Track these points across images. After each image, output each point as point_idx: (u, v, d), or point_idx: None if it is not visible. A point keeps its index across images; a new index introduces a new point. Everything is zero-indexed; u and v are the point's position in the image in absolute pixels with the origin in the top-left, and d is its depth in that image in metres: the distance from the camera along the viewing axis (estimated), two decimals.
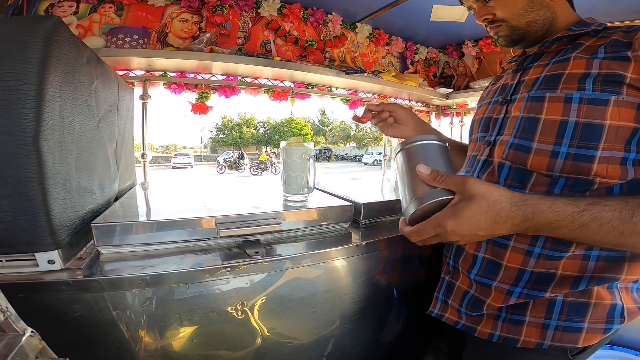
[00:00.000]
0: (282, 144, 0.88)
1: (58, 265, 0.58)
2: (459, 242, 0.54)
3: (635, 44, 0.53)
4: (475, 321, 0.67)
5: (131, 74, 1.57)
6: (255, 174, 16.62)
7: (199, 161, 28.96)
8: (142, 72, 1.59)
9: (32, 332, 0.43)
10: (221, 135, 38.16)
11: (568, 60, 0.59)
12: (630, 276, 0.57)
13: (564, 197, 0.51)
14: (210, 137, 39.25)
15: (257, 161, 18.47)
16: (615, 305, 0.57)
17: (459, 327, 0.70)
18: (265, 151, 22.93)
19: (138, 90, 1.58)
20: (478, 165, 0.69)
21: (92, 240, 0.66)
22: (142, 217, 0.75)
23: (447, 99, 2.41)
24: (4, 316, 0.41)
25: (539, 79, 0.62)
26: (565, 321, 0.58)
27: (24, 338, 0.41)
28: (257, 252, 0.68)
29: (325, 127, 40.47)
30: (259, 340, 0.73)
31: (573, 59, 0.59)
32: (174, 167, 22.63)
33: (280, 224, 0.73)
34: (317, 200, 0.90)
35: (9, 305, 0.42)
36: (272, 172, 16.49)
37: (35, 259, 0.56)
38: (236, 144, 36.39)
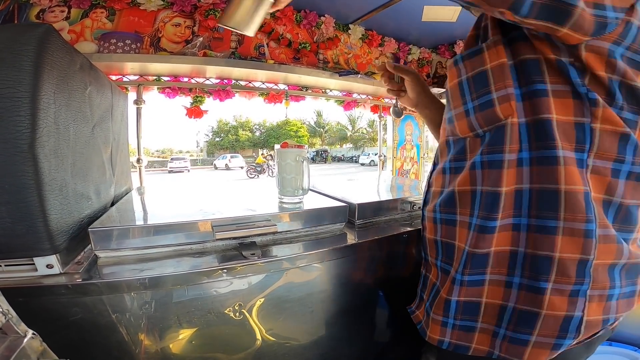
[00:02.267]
0: (276, 146, 0.89)
1: (57, 269, 0.58)
2: None
3: None
4: (427, 323, 0.65)
5: (124, 79, 1.57)
6: (252, 177, 16.58)
7: (195, 165, 28.84)
8: (136, 77, 1.60)
9: (33, 334, 0.44)
10: (217, 139, 38.07)
11: None
12: (567, 254, 0.51)
13: None
14: (206, 141, 39.13)
15: (254, 164, 18.42)
16: (571, 317, 0.51)
17: (419, 328, 0.68)
18: (262, 154, 22.89)
19: (132, 95, 1.59)
20: None
21: (90, 245, 0.67)
22: (139, 222, 0.76)
23: (440, 98, 2.43)
24: (5, 319, 0.42)
25: None
26: (513, 331, 0.55)
27: (25, 340, 0.42)
28: (253, 254, 0.69)
29: (321, 129, 40.52)
30: (257, 341, 0.74)
31: None
32: (170, 172, 22.54)
33: (276, 225, 0.74)
34: (312, 202, 0.91)
35: (10, 308, 0.43)
36: (268, 174, 16.45)
37: (34, 264, 0.57)
38: (232, 147, 36.33)
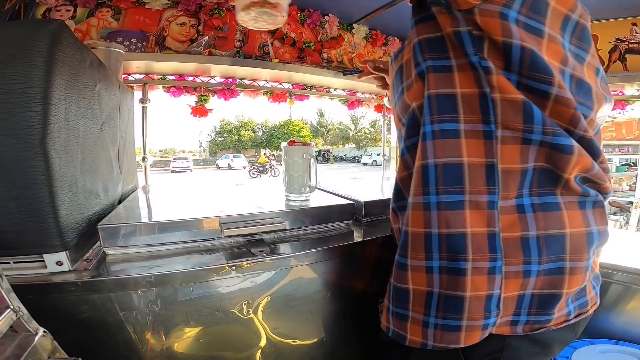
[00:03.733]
0: (283, 144, 0.89)
1: (66, 266, 0.58)
2: None
3: None
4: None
5: (130, 78, 1.58)
6: (255, 177, 16.58)
7: (198, 165, 28.88)
8: (141, 76, 1.60)
9: (44, 332, 0.43)
10: (219, 139, 38.10)
11: None
12: (476, 228, 0.49)
13: None
14: (209, 141, 39.18)
15: (256, 164, 18.42)
16: (491, 296, 0.50)
17: None
18: (264, 153, 22.89)
19: (137, 94, 1.59)
20: None
21: (99, 242, 0.67)
22: (147, 219, 0.76)
23: None
24: (16, 316, 0.41)
25: None
26: (443, 319, 0.52)
27: (36, 338, 0.42)
28: (262, 251, 0.69)
29: (324, 129, 40.50)
30: (264, 339, 0.74)
31: None
32: (173, 171, 22.60)
33: (284, 222, 0.74)
34: (318, 200, 0.91)
35: (21, 305, 0.42)
36: (271, 174, 16.43)
37: (43, 261, 0.57)
38: (235, 147, 36.37)
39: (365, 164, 26.85)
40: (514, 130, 0.48)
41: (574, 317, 0.53)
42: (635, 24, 1.67)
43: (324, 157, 33.81)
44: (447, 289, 0.51)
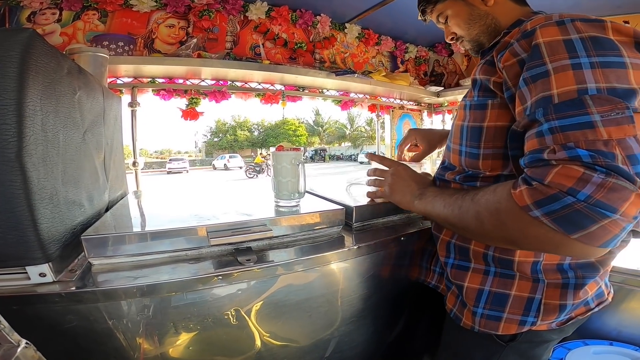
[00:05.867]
0: (272, 149, 0.88)
1: (50, 277, 0.57)
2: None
3: (502, 47, 0.58)
4: (446, 296, 0.78)
5: (118, 81, 1.56)
6: (251, 177, 16.57)
7: (194, 166, 28.77)
8: (130, 79, 1.58)
9: (26, 343, 0.43)
10: (215, 139, 38.01)
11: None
12: (525, 258, 0.61)
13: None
14: (205, 141, 39.08)
15: (253, 164, 18.40)
16: (532, 298, 0.62)
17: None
18: (260, 153, 22.84)
19: (126, 98, 1.57)
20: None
21: (83, 253, 0.65)
22: (133, 228, 0.75)
23: (438, 97, 2.42)
24: None
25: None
26: (489, 310, 0.66)
27: (19, 349, 0.42)
28: (249, 260, 0.68)
29: (320, 128, 40.49)
30: (255, 347, 0.73)
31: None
32: (169, 172, 22.51)
33: (271, 230, 0.73)
34: (308, 205, 0.90)
35: (2, 318, 0.42)
36: (267, 174, 16.45)
37: (26, 273, 0.56)
38: (231, 147, 36.26)
39: (362, 163, 26.93)
40: None
41: None
42: (627, 22, 1.68)
43: (320, 155, 33.81)
44: (498, 287, 0.66)
